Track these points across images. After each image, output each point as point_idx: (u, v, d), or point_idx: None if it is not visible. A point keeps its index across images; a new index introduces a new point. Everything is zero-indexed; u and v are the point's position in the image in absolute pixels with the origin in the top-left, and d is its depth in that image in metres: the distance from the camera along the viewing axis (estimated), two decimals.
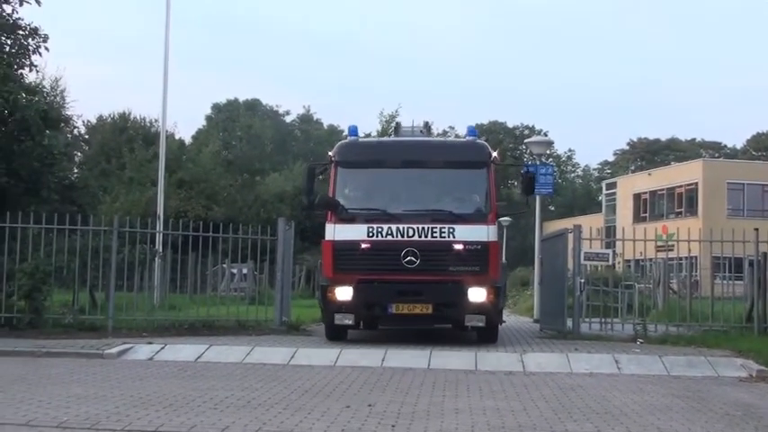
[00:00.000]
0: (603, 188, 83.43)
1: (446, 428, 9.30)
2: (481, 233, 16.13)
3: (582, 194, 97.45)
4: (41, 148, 21.13)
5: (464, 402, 11.05)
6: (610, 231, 61.35)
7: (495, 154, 17.15)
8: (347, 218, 16.42)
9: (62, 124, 22.79)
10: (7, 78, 20.10)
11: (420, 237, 15.98)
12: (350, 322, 16.49)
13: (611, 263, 23.60)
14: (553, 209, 66.36)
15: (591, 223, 45.48)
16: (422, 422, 9.62)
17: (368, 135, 17.90)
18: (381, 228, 16.07)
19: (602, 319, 20.43)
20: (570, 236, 20.22)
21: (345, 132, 19.39)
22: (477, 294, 16.03)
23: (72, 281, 19.44)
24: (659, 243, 24.88)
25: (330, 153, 17.21)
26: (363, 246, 16.17)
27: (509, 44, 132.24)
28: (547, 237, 24.71)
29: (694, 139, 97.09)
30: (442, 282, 16.11)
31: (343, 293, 16.24)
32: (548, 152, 30.85)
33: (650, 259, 27.68)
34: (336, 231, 16.32)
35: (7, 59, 20.63)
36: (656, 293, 26.35)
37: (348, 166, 17.02)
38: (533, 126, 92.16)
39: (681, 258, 25.54)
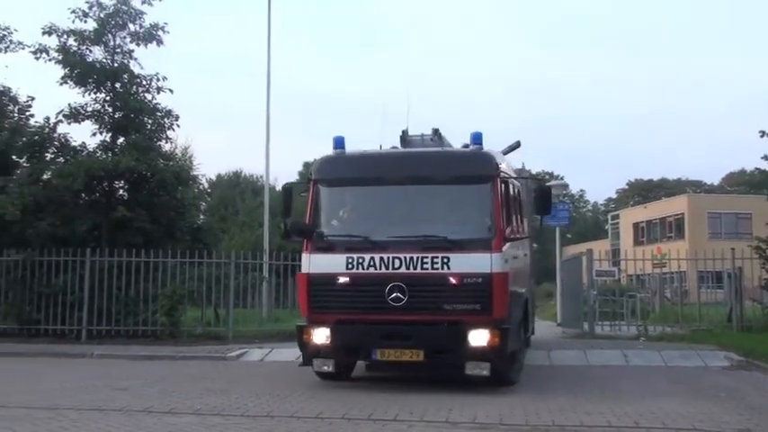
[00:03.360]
0: (609, 219, 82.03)
1: (489, 412, 9.20)
2: (482, 263, 10.43)
3: (592, 224, 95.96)
4: (175, 200, 21.46)
5: (502, 392, 10.90)
6: (615, 253, 60.24)
7: (503, 165, 11.49)
8: (324, 246, 11.14)
9: (190, 182, 23.09)
10: (149, 149, 20.51)
11: (408, 268, 10.60)
12: (329, 369, 11.21)
13: (616, 277, 23.25)
14: (570, 236, 65.46)
15: (600, 247, 44.57)
16: (460, 410, 9.53)
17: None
18: (363, 258, 10.75)
19: (612, 322, 20.08)
20: (584, 258, 20.06)
21: None
22: (479, 338, 10.41)
23: (200, 301, 19.70)
24: (655, 261, 24.38)
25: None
26: (341, 280, 10.83)
27: (529, 106, 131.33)
28: (566, 259, 24.45)
29: (680, 179, 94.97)
30: (436, 323, 10.55)
31: (320, 336, 10.96)
32: (564, 192, 30.42)
33: (648, 274, 27.19)
34: (312, 263, 11.11)
35: (149, 134, 21.08)
36: (653, 301, 25.85)
37: (327, 184, 11.62)
38: (552, 172, 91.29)
39: (672, 273, 24.98)
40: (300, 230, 11.56)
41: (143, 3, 20.73)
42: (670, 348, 15.68)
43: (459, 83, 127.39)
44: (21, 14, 25.41)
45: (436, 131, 12.72)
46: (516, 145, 13.15)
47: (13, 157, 20.86)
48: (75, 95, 20.72)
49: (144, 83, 20.91)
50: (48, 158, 20.80)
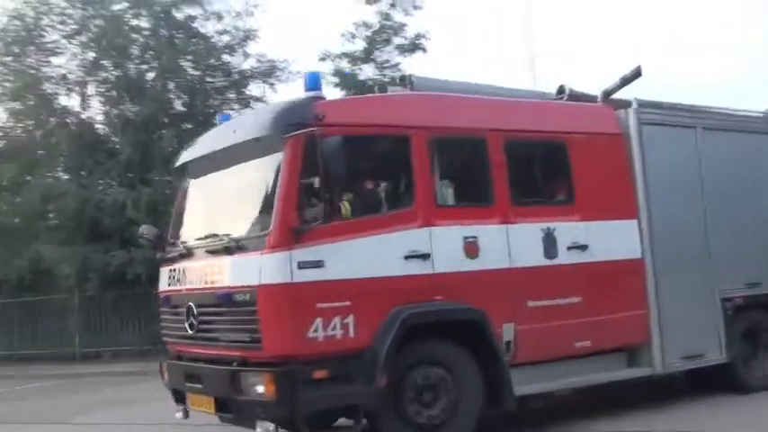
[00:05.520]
0: None
1: None
2: (249, 271, 6.86)
3: None
4: None
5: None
6: None
7: (323, 114, 6.93)
8: (164, 258, 8.42)
9: None
10: None
11: (196, 283, 7.62)
12: (180, 417, 8.08)
13: None
14: None
15: None
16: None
17: None
18: (174, 271, 8.02)
19: None
20: None
21: None
22: (253, 384, 6.78)
23: None
24: None
25: None
26: (161, 299, 8.38)
27: None
28: None
29: None
30: (219, 360, 7.31)
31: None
32: None
33: None
34: (161, 278, 8.44)
35: None
36: None
37: (176, 176, 9.00)
38: None
39: None
40: (144, 237, 8.91)
41: (405, 15, 21.48)
42: None
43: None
44: (297, 46, 27.22)
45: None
46: (634, 74, 9.09)
47: None
48: None
49: None
50: None
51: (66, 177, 22.30)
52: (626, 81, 9.10)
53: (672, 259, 8.72)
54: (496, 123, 7.94)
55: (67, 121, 22.47)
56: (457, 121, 7.78)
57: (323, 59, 21.36)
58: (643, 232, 8.60)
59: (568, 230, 8.08)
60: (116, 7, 21.96)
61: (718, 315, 9.11)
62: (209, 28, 22.82)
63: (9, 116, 22.93)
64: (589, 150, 8.43)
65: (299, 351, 6.70)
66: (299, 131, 6.76)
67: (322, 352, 6.70)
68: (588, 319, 8.07)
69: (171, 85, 22.48)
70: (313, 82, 7.26)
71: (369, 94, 8.23)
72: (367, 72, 21.71)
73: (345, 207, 6.99)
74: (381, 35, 21.39)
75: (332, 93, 21.56)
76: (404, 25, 21.46)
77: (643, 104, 8.97)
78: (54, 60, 22.46)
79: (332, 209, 6.83)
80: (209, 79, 23.37)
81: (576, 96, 9.14)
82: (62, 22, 22.18)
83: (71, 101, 22.74)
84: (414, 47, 21.55)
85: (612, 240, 8.37)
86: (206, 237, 7.66)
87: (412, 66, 22.16)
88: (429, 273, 7.23)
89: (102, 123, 23.00)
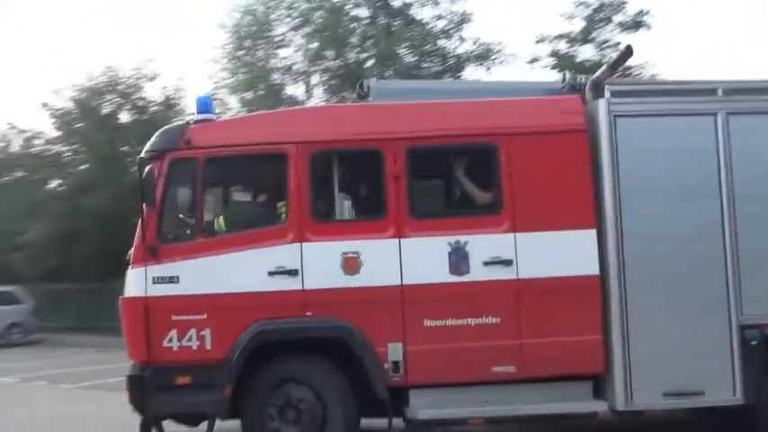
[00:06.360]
0: None
1: None
2: (125, 284, 7.35)
3: None
4: None
5: None
6: None
7: (190, 138, 7.11)
8: None
9: None
10: None
11: None
12: None
13: None
14: None
15: None
16: None
17: None
18: None
19: None
20: None
21: None
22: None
23: None
24: None
25: None
26: None
27: None
28: None
29: None
30: None
31: None
32: None
33: None
34: None
35: None
36: None
37: None
38: None
39: None
40: None
41: None
42: None
43: None
44: (513, 28, 26.96)
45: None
46: (623, 56, 7.74)
47: None
48: None
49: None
50: None
51: None
52: (615, 65, 7.73)
53: (653, 276, 7.17)
54: (396, 132, 7.24)
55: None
56: (345, 134, 7.31)
57: (539, 42, 21.07)
58: (608, 244, 7.17)
59: (487, 244, 7.16)
60: None
61: (733, 345, 7.27)
62: (424, 14, 23.19)
63: (242, 105, 24.61)
64: (529, 151, 7.28)
65: (153, 358, 6.99)
66: (158, 155, 7.12)
67: (180, 360, 6.96)
68: (509, 342, 7.12)
69: (388, 73, 23.08)
70: (204, 105, 7.44)
71: (248, 114, 8.13)
72: (584, 53, 21.11)
73: (219, 224, 7.30)
74: (600, 13, 20.66)
75: (548, 75, 21.20)
76: (624, 2, 20.62)
77: (619, 93, 7.47)
78: (281, 52, 23.83)
79: (193, 227, 7.21)
80: (425, 65, 23.75)
81: (576, 87, 7.92)
82: (289, 16, 23.46)
83: (296, 90, 24.08)
84: (636, 24, 20.62)
85: (555, 254, 7.17)
86: None
87: (635, 43, 21.28)
88: (297, 289, 7.03)
89: None
